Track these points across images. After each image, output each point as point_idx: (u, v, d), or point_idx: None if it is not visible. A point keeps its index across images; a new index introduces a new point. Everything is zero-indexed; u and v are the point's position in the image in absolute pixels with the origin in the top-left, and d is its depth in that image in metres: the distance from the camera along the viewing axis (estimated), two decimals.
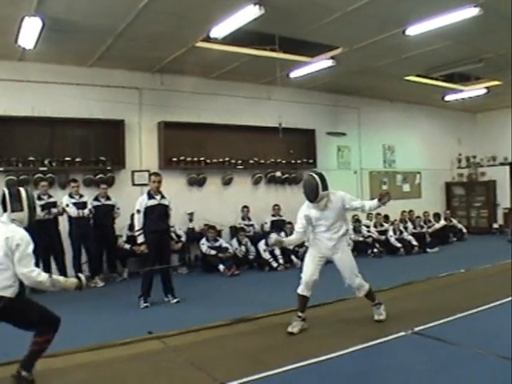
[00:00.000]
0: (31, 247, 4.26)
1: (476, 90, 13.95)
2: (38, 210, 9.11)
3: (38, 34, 8.17)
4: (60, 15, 7.79)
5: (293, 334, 5.99)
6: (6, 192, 4.45)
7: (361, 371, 4.80)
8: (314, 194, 6.04)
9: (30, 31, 7.99)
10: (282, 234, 10.99)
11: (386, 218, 13.96)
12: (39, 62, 10.14)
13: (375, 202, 6.28)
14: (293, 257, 11.37)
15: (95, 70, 10.94)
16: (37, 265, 4.35)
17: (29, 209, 4.44)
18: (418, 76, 12.92)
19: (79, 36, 8.83)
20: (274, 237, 6.52)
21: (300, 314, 6.19)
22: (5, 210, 4.39)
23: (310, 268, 6.28)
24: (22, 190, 4.50)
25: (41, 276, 4.27)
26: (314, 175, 6.11)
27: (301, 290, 6.25)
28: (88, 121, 10.79)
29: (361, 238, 13.16)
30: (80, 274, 4.66)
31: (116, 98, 11.15)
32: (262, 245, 11.18)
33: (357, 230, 13.28)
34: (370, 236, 13.28)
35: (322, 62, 10.89)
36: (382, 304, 6.60)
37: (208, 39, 9.12)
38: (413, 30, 8.82)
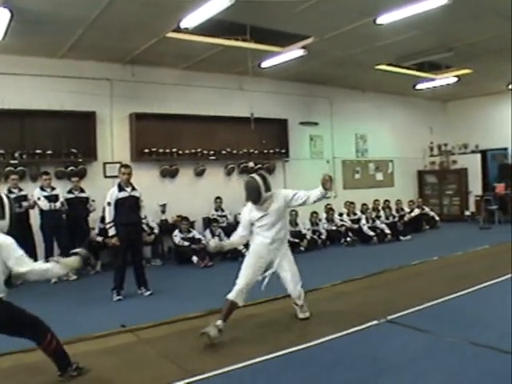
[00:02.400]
0: (17, 247, 4.22)
1: (446, 79, 14.05)
2: None
3: (6, 26, 8.03)
4: (29, 6, 7.66)
5: (210, 344, 5.41)
6: None
7: (334, 360, 4.82)
8: (256, 196, 5.90)
9: None
10: None
11: (364, 205, 14.11)
12: (8, 54, 9.95)
13: (320, 189, 5.94)
14: None
15: (65, 62, 10.81)
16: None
17: (10, 216, 4.38)
18: (390, 65, 12.98)
19: (49, 27, 8.69)
20: (212, 244, 6.33)
21: (220, 323, 5.57)
22: None
23: (248, 274, 5.98)
24: (3, 196, 4.43)
25: (44, 265, 4.32)
26: (256, 177, 5.96)
27: (233, 297, 5.82)
28: (59, 113, 10.68)
29: (334, 227, 13.25)
30: (77, 249, 4.61)
31: (87, 89, 11.04)
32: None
33: (329, 219, 13.35)
34: (342, 225, 13.35)
35: (294, 52, 10.86)
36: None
37: (179, 29, 9.03)
38: (384, 19, 8.84)
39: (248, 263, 6.08)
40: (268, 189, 5.92)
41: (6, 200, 4.40)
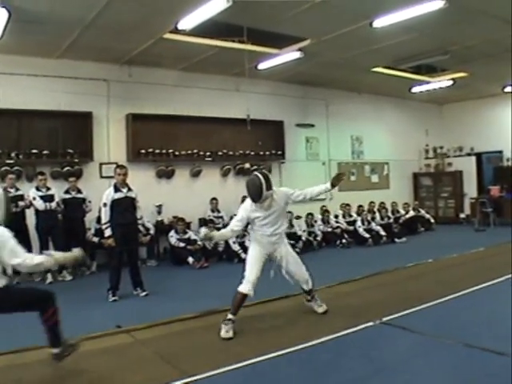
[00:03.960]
0: (13, 239, 4.36)
1: (442, 82, 14.10)
2: None
3: (3, 25, 8.02)
4: (26, 5, 7.66)
5: (230, 339, 5.67)
6: None
7: (329, 362, 4.84)
8: (258, 195, 5.94)
9: None
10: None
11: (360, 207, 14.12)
12: (5, 54, 9.94)
13: (327, 185, 6.30)
14: None
15: (63, 62, 10.80)
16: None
17: (6, 210, 4.58)
18: (386, 67, 13.02)
19: (46, 27, 8.70)
20: (203, 231, 6.14)
21: (231, 316, 5.88)
22: None
23: (255, 267, 6.10)
24: (0, 191, 4.66)
25: (36, 258, 4.43)
26: (258, 175, 6.02)
27: (247, 289, 5.98)
28: (55, 113, 10.69)
29: (329, 229, 13.26)
30: (75, 249, 4.80)
31: (84, 89, 11.04)
32: None
33: (325, 221, 13.37)
34: (338, 227, 13.36)
35: (290, 54, 10.90)
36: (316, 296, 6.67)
37: (176, 31, 9.06)
38: (380, 22, 8.88)
39: (253, 258, 6.18)
40: (269, 187, 5.96)
41: (1, 194, 4.62)
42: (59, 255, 4.64)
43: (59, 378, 4.54)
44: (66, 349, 4.63)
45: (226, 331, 5.72)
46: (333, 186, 6.26)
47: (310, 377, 4.53)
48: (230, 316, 5.86)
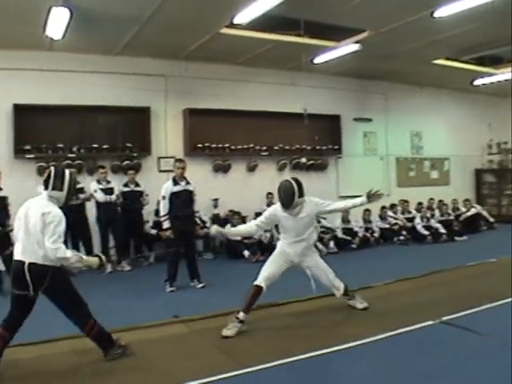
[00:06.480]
0: (62, 226, 4.46)
1: (508, 74, 13.61)
2: None
3: (65, 24, 8.22)
4: (86, 5, 7.87)
5: (228, 338, 5.54)
6: (53, 170, 4.66)
7: (387, 359, 4.78)
8: (289, 201, 5.88)
9: (57, 21, 8.03)
10: None
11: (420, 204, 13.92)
12: (68, 52, 10.28)
13: (363, 199, 6.14)
14: (318, 243, 11.32)
15: (122, 59, 11.06)
16: (66, 246, 4.53)
17: (68, 190, 4.63)
18: (448, 59, 12.69)
19: (105, 25, 8.92)
20: (214, 228, 6.38)
21: (240, 315, 5.75)
22: (46, 188, 4.59)
23: (271, 266, 6.11)
24: (66, 171, 4.72)
25: (67, 252, 4.48)
26: (292, 181, 5.94)
27: (258, 282, 6.00)
28: (115, 108, 10.95)
29: (387, 225, 13.03)
30: (100, 254, 4.95)
31: (142, 85, 11.25)
32: None
33: (383, 217, 13.14)
34: (396, 223, 13.14)
35: (348, 47, 10.72)
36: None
37: (232, 25, 9.08)
38: (441, 12, 8.62)
39: (273, 260, 6.16)
40: (301, 194, 5.90)
41: (67, 175, 4.66)
42: (85, 257, 4.81)
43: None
44: (118, 347, 4.81)
45: (227, 329, 5.60)
46: (369, 201, 6.15)
47: (363, 375, 4.47)
48: (240, 314, 5.75)
